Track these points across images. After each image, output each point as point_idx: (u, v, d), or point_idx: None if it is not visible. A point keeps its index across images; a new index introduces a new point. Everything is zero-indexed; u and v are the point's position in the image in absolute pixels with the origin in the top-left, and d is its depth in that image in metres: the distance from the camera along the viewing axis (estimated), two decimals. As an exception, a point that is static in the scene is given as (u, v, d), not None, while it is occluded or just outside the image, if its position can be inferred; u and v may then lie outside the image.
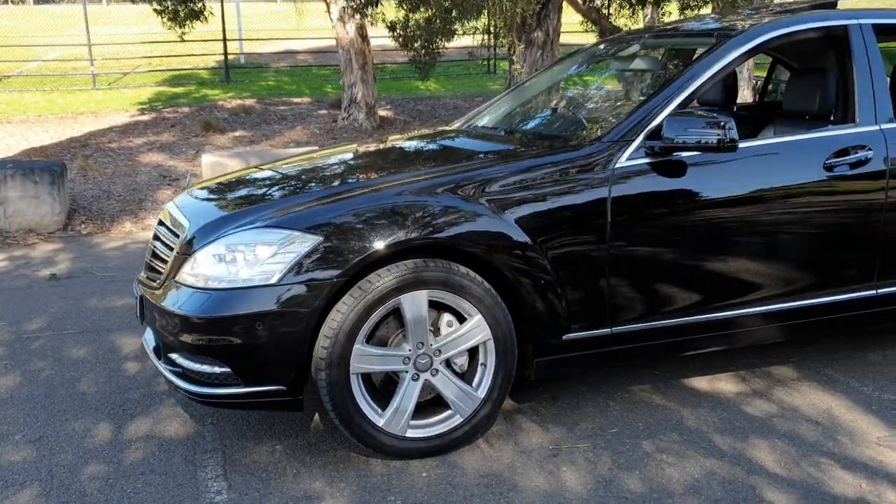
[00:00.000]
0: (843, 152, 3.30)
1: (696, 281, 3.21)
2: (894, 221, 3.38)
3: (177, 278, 2.99)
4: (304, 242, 2.81)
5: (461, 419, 3.00)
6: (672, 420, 3.24)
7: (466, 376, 3.03)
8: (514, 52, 8.13)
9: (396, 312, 2.91)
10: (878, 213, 3.35)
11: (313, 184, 3.35)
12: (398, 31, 8.52)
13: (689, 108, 3.28)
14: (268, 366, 2.84)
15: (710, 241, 3.18)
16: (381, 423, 2.92)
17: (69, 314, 4.66)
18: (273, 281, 2.79)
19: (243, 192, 3.43)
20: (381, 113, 11.43)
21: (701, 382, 3.58)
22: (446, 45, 8.20)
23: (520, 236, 2.95)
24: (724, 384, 3.57)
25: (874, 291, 3.44)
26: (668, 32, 4.11)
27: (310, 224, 2.85)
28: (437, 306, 2.95)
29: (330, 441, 3.15)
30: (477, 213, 2.94)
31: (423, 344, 2.92)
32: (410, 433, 2.97)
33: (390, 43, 10.63)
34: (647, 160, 3.10)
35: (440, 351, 2.95)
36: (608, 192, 3.04)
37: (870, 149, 3.32)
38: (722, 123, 2.97)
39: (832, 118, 3.62)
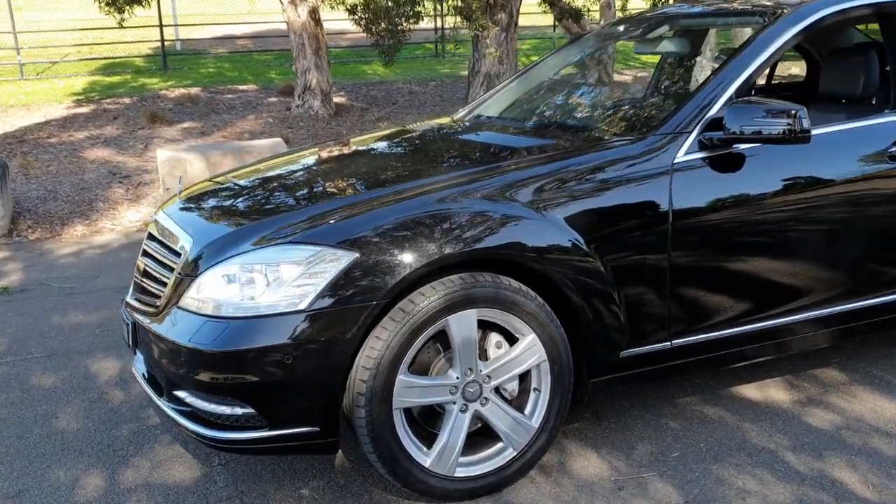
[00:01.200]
0: (903, 141, 3.04)
1: (761, 286, 2.92)
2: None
3: (181, 304, 2.57)
4: (338, 260, 2.42)
5: (515, 452, 2.66)
6: (735, 438, 2.96)
7: (517, 403, 2.69)
8: (489, 34, 7.77)
9: (438, 335, 2.55)
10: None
11: (331, 189, 2.94)
12: (359, 13, 8.07)
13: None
14: (299, 404, 2.45)
15: (772, 243, 2.89)
16: (427, 463, 2.56)
17: (30, 335, 4.16)
18: (303, 306, 2.39)
19: (249, 199, 3.01)
20: (336, 100, 10.94)
21: (751, 391, 3.31)
22: (412, 27, 7.78)
23: (575, 243, 2.61)
24: (774, 392, 3.30)
25: (932, 289, 3.20)
26: (703, 12, 3.78)
27: (343, 238, 2.46)
28: (482, 325, 2.60)
29: (362, 482, 2.77)
30: (528, 220, 2.59)
31: (471, 370, 2.56)
32: (460, 472, 2.61)
33: (331, 26, 10.17)
34: (705, 153, 2.79)
35: (490, 377, 2.60)
36: (668, 191, 2.72)
37: (930, 136, 3.07)
38: (793, 112, 2.67)
39: (875, 101, 3.37)
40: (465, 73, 15.62)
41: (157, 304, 2.71)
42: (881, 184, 3.02)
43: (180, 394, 2.58)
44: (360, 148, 3.60)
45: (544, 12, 11.91)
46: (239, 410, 2.46)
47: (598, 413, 3.15)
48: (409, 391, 2.50)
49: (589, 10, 11.39)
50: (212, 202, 3.02)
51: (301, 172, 3.29)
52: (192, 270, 2.60)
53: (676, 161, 2.75)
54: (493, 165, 2.86)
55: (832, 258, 3.02)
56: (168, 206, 3.10)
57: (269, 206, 2.88)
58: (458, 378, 2.56)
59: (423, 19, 7.16)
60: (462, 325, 2.52)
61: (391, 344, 2.43)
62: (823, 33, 3.95)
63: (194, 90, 11.77)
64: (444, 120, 4.06)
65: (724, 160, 2.81)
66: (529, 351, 2.61)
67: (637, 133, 2.92)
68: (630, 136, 2.90)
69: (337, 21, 13.45)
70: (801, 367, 3.50)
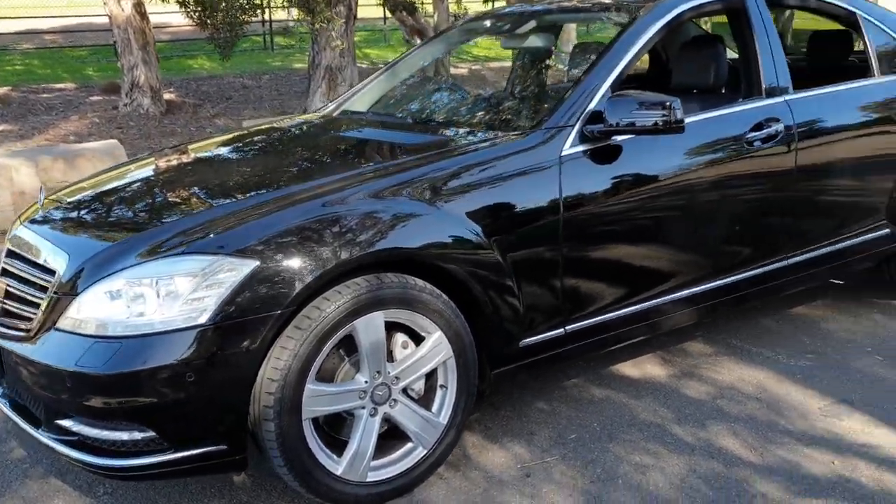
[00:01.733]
0: (759, 126, 3.28)
1: (640, 270, 3.06)
2: (802, 193, 3.43)
3: (60, 325, 2.37)
4: (237, 270, 2.31)
5: (425, 451, 2.65)
6: (624, 415, 3.09)
7: (424, 402, 2.67)
8: (334, 27, 7.64)
9: (342, 340, 2.49)
10: (788, 186, 3.38)
11: (218, 194, 2.79)
12: (192, 6, 7.72)
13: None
14: (203, 423, 2.32)
15: (648, 229, 3.03)
16: (339, 471, 2.50)
17: None
18: (203, 320, 2.27)
19: (124, 208, 2.81)
20: (166, 96, 10.44)
21: (628, 368, 3.47)
22: (249, 19, 7.54)
23: (476, 238, 2.63)
24: (651, 368, 3.48)
25: (786, 262, 3.48)
26: (567, 8, 3.88)
27: (241, 246, 2.35)
28: (387, 326, 2.56)
29: (266, 497, 2.67)
30: (430, 216, 2.58)
31: (379, 373, 2.53)
32: (372, 476, 2.57)
33: (152, 19, 9.71)
34: (587, 146, 2.88)
35: (398, 378, 2.57)
36: (559, 183, 2.80)
37: (779, 121, 3.32)
38: (667, 104, 2.81)
39: (724, 91, 3.61)
40: (299, 66, 15.36)
41: (28, 326, 2.48)
42: (740, 167, 3.23)
43: (65, 423, 2.38)
44: (232, 148, 3.45)
45: (378, 4, 11.90)
46: (138, 435, 2.31)
47: (495, 404, 3.19)
48: (318, 400, 2.43)
49: (423, 3, 11.48)
50: (82, 213, 2.80)
51: (175, 176, 3.11)
52: (70, 289, 2.39)
53: (563, 154, 2.83)
54: (387, 163, 2.83)
55: (699, 240, 3.21)
56: (28, 218, 2.84)
57: (149, 216, 2.70)
58: (366, 382, 2.51)
59: (263, 11, 6.93)
60: (370, 328, 2.47)
61: (298, 353, 2.35)
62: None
63: (3, 90, 10.87)
64: (311, 116, 3.96)
65: (604, 152, 2.92)
66: (436, 349, 2.60)
67: (525, 128, 2.97)
68: (518, 131, 2.95)
69: (157, 14, 12.81)
70: (669, 343, 3.70)
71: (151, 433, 2.30)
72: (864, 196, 3.71)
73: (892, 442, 2.86)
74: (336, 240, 2.41)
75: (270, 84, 12.99)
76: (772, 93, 3.38)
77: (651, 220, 3.02)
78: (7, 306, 2.63)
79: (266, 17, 16.48)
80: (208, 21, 7.34)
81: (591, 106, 2.91)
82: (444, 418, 2.67)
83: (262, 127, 3.77)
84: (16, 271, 2.63)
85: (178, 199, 2.78)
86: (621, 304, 3.02)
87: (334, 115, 3.81)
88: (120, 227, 2.64)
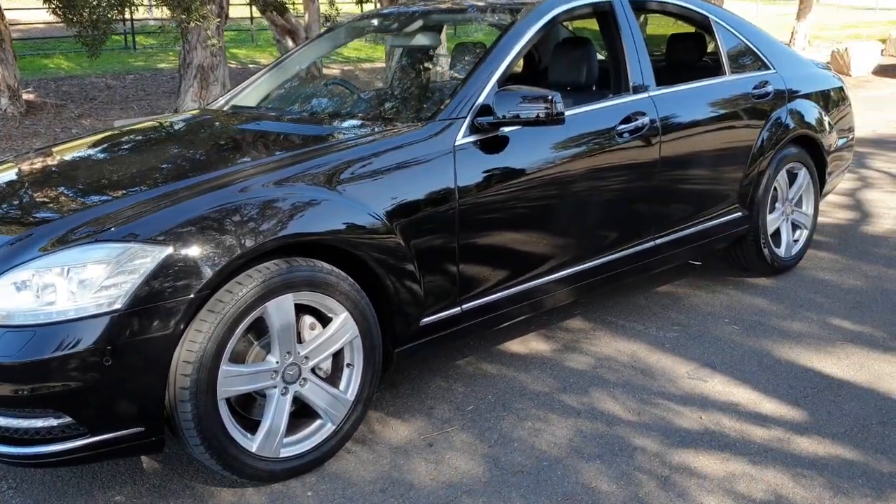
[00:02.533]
0: (627, 119, 3.59)
1: (525, 253, 3.30)
2: (665, 180, 3.78)
3: None
4: (150, 256, 2.38)
5: (333, 427, 2.79)
6: (515, 387, 3.33)
7: (331, 380, 2.81)
8: (209, 25, 7.57)
9: (254, 323, 2.59)
10: (653, 173, 3.72)
11: (123, 183, 2.83)
12: (55, 2, 7.48)
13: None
14: (121, 406, 2.38)
15: (531, 214, 3.28)
16: (254, 448, 2.61)
17: None
18: (118, 306, 2.33)
19: (23, 198, 2.80)
20: (24, 97, 10.00)
21: (516, 346, 3.72)
22: (118, 17, 7.36)
23: (379, 224, 2.79)
24: (536, 344, 3.74)
25: (653, 242, 3.83)
26: (452, 9, 4.09)
27: (153, 233, 2.42)
28: (296, 309, 2.69)
29: (178, 479, 2.74)
30: (335, 204, 2.72)
31: (290, 353, 2.65)
32: (284, 452, 2.69)
33: None
34: (477, 136, 3.10)
35: (307, 358, 2.70)
36: (454, 171, 3.00)
37: (645, 114, 3.66)
38: (549, 97, 3.06)
39: (595, 88, 3.91)
40: (163, 66, 14.98)
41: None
42: (612, 157, 3.54)
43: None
44: (124, 141, 3.47)
45: (246, 4, 11.80)
46: (54, 421, 2.34)
47: (394, 383, 3.36)
48: (232, 380, 2.53)
49: (294, 4, 11.48)
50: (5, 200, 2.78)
51: (71, 169, 3.11)
52: (-26, 280, 2.39)
53: (457, 144, 3.04)
54: (290, 153, 2.93)
55: (577, 224, 3.49)
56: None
57: (53, 205, 2.71)
58: (277, 363, 2.63)
59: (134, 8, 6.80)
60: (281, 310, 2.59)
61: (213, 335, 2.44)
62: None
63: None
64: (196, 111, 4.01)
65: (493, 142, 3.14)
66: (343, 329, 2.75)
67: (420, 119, 3.15)
68: (413, 123, 3.13)
69: (6, 10, 12.20)
70: (550, 321, 3.98)
71: (68, 419, 2.33)
72: (718, 183, 4.11)
73: (749, 398, 3.22)
74: (245, 226, 2.51)
75: (135, 84, 12.64)
76: (638, 89, 3.71)
77: (536, 205, 3.27)
78: None
79: (129, 15, 15.98)
80: (74, 19, 7.12)
81: (481, 100, 3.13)
82: (351, 395, 2.82)
83: (149, 123, 3.79)
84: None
85: (80, 191, 2.81)
86: (510, 283, 3.26)
87: (225, 109, 3.88)
88: (23, 219, 2.64)
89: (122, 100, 11.04)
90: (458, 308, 3.11)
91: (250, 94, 4.05)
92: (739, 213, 4.23)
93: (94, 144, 3.49)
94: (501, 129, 3.15)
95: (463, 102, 3.11)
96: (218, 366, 2.47)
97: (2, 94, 9.36)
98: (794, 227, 4.64)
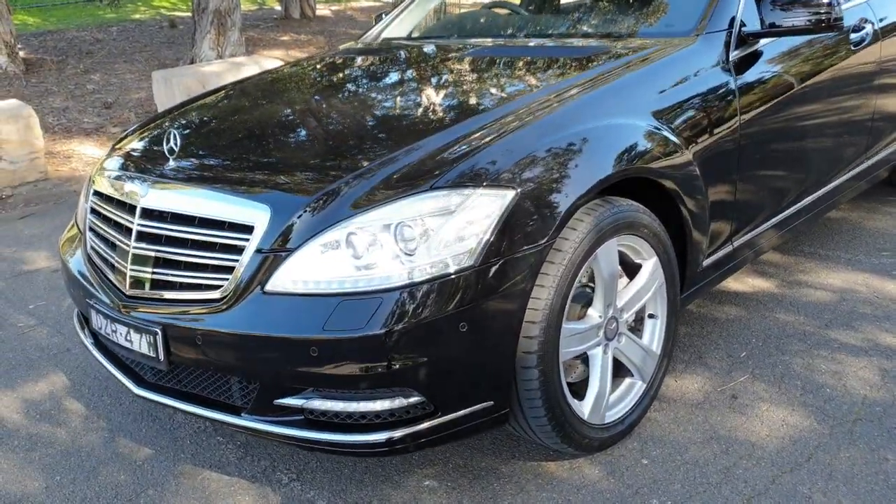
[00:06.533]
0: (856, 28, 3.29)
1: (790, 177, 3.02)
2: (886, 89, 3.50)
3: (272, 287, 1.99)
4: (495, 202, 2.01)
5: (644, 385, 2.49)
6: (772, 328, 3.05)
7: (636, 334, 2.50)
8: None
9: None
10: (875, 83, 3.43)
11: (412, 119, 2.45)
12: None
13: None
14: (475, 378, 2.04)
15: (797, 134, 2.99)
16: (585, 415, 2.29)
17: None
18: (469, 262, 1.97)
19: (307, 141, 2.41)
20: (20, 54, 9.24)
21: (733, 284, 3.44)
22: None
23: (683, 154, 2.46)
24: (753, 281, 3.47)
25: (867, 162, 3.56)
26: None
27: (492, 175, 2.05)
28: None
29: (482, 456, 2.41)
30: (654, 131, 2.38)
31: (610, 307, 2.32)
32: (608, 418, 2.38)
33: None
34: (749, 49, 2.77)
35: (623, 310, 2.38)
36: (735, 87, 2.67)
37: (868, 20, 3.35)
38: (829, 1, 2.73)
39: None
40: (137, 16, 14.11)
41: (214, 296, 2.07)
42: (847, 68, 3.23)
43: (289, 401, 2.03)
44: (366, 70, 3.09)
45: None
46: (401, 401, 1.99)
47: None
48: (570, 340, 2.21)
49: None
50: (251, 153, 2.36)
51: (350, 97, 2.75)
52: (281, 244, 2.01)
53: (732, 58, 2.72)
54: (577, 78, 2.51)
55: (825, 145, 3.20)
56: (166, 169, 2.34)
57: (353, 147, 2.30)
58: (600, 317, 2.30)
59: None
60: (608, 257, 2.26)
61: (556, 289, 2.10)
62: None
63: None
64: (376, 43, 3.58)
65: (757, 56, 2.81)
66: (653, 276, 2.43)
67: (683, 33, 2.78)
68: (682, 37, 2.75)
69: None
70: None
71: (417, 397, 1.99)
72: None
73: None
74: (583, 160, 2.17)
75: (124, 36, 11.83)
76: (862, -5, 3.40)
77: (798, 126, 2.98)
78: (165, 277, 2.17)
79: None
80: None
81: (740, 8, 2.78)
82: (657, 348, 2.51)
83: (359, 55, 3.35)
84: (175, 234, 2.17)
85: (369, 133, 2.41)
86: (772, 214, 2.98)
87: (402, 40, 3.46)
88: (322, 164, 2.23)
89: (122, 53, 10.29)
90: (730, 245, 2.81)
91: (402, 25, 3.64)
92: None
93: (332, 74, 3.09)
94: (762, 41, 2.82)
95: (724, 12, 2.76)
96: (560, 324, 2.14)
97: (0, 52, 8.61)
98: None
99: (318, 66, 3.29)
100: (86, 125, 7.21)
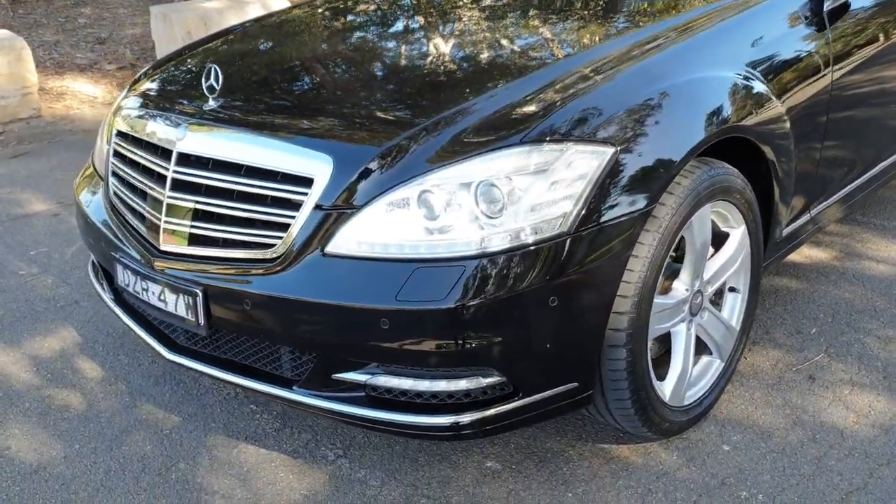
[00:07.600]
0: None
1: (870, 139, 2.81)
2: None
3: (334, 250, 1.76)
4: (593, 160, 1.78)
5: (723, 364, 2.28)
6: (840, 303, 2.84)
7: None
8: None
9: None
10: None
11: (484, 63, 2.20)
12: None
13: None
14: (562, 357, 1.83)
15: (880, 93, 2.77)
16: (667, 397, 2.09)
17: None
18: (563, 228, 1.74)
19: (367, 83, 2.15)
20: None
21: (793, 256, 3.23)
22: None
23: (779, 113, 2.22)
24: (809, 252, 3.25)
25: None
26: None
27: (589, 130, 1.81)
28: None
29: (546, 438, 2.21)
30: (751, 88, 2.14)
31: (697, 279, 2.10)
32: (687, 399, 2.18)
33: None
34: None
35: (709, 284, 2.16)
36: (829, 39, 2.43)
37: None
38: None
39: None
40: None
41: (265, 255, 1.83)
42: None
43: (350, 376, 1.82)
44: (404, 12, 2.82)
45: None
46: (481, 381, 1.77)
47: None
48: (660, 316, 2.00)
49: None
50: (308, 97, 2.10)
51: (411, 36, 2.51)
52: (345, 200, 1.76)
53: (826, 8, 2.46)
54: (659, 27, 2.26)
55: None
56: (206, 109, 2.06)
57: (421, 93, 2.05)
58: (687, 291, 2.09)
59: None
60: (702, 225, 2.05)
61: (651, 260, 1.87)
62: None
63: None
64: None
65: (844, 8, 2.56)
66: (739, 245, 2.22)
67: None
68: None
69: None
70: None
71: (497, 377, 1.77)
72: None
73: None
74: (683, 116, 1.94)
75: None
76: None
77: (882, 86, 2.74)
78: (206, 232, 1.93)
79: None
80: None
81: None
82: (737, 324, 2.31)
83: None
84: (217, 184, 1.92)
85: (435, 78, 2.15)
86: (857, 176, 2.78)
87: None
88: (390, 112, 1.98)
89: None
90: (808, 214, 2.60)
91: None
92: None
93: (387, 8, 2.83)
94: (851, -7, 2.57)
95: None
96: (652, 299, 1.92)
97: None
98: None
99: None
100: (79, 61, 6.83)
